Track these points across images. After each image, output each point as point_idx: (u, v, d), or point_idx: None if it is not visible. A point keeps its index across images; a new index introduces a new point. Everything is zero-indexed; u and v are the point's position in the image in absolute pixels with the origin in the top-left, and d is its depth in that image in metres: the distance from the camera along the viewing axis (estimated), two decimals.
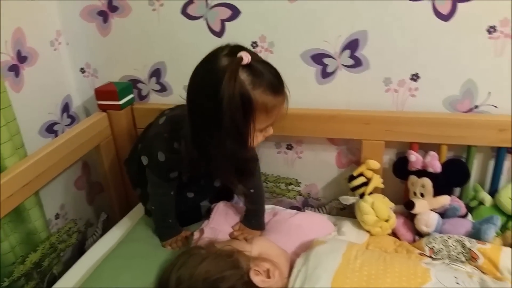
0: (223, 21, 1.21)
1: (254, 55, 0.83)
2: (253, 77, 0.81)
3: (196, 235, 1.13)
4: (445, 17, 1.05)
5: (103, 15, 1.30)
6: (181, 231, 1.15)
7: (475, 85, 1.10)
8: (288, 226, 1.14)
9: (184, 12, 1.22)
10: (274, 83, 0.84)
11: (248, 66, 0.81)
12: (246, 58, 0.81)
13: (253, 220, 1.15)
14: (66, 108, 1.40)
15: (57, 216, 1.37)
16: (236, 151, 0.85)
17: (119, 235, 1.22)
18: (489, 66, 1.07)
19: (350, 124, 1.18)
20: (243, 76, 0.80)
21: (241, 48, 0.84)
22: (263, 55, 1.19)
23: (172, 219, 1.13)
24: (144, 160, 1.04)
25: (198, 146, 0.90)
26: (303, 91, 1.21)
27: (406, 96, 1.16)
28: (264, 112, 0.84)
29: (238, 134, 0.83)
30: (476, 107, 1.12)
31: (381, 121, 1.15)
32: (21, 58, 1.22)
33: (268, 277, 0.90)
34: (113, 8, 1.28)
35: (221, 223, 1.15)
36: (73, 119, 1.44)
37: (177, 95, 1.33)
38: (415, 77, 1.13)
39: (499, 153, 1.13)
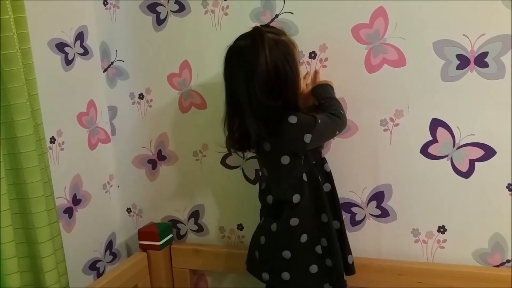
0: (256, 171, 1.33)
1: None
2: (273, 34, 1.05)
3: None
4: (465, 175, 1.11)
5: (152, 163, 1.46)
6: None
7: (503, 239, 1.11)
8: None
9: (223, 162, 1.36)
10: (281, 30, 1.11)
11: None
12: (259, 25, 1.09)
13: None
14: (110, 245, 1.49)
15: None
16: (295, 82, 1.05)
17: None
18: None
19: (382, 274, 1.19)
20: (270, 35, 1.03)
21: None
22: None
23: None
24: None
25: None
26: None
27: (435, 248, 1.18)
28: (294, 47, 1.08)
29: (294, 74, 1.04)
30: (508, 261, 1.12)
31: (413, 272, 1.16)
32: (76, 201, 1.35)
33: None
34: (162, 158, 1.44)
35: None
36: (115, 256, 1.51)
37: (212, 235, 1.42)
38: (442, 229, 1.16)
39: None
